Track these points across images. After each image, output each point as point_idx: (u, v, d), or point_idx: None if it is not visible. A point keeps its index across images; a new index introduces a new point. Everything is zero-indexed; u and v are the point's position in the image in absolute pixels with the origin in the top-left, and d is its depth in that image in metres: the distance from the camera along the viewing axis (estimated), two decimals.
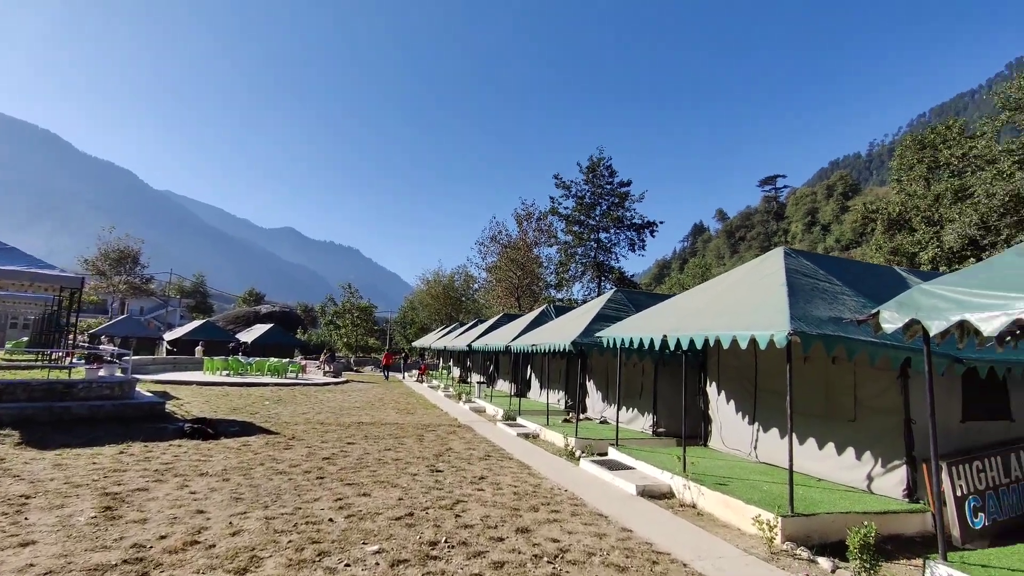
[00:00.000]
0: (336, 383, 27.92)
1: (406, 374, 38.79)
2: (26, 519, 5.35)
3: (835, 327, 6.50)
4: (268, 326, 47.64)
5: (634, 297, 14.90)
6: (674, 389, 12.34)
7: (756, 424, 9.47)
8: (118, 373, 14.18)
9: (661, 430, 12.41)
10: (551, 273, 40.71)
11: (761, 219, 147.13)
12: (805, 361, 8.48)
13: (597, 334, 11.15)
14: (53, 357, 20.21)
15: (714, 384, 10.80)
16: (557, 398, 18.19)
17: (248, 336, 44.92)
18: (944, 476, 6.49)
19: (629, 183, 35.94)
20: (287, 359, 34.25)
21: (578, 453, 10.52)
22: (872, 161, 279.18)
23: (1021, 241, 26.31)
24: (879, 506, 6.58)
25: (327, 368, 32.59)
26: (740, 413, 9.91)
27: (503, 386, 25.47)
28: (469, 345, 24.07)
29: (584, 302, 35.42)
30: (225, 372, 27.78)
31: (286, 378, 27.92)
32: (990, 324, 4.18)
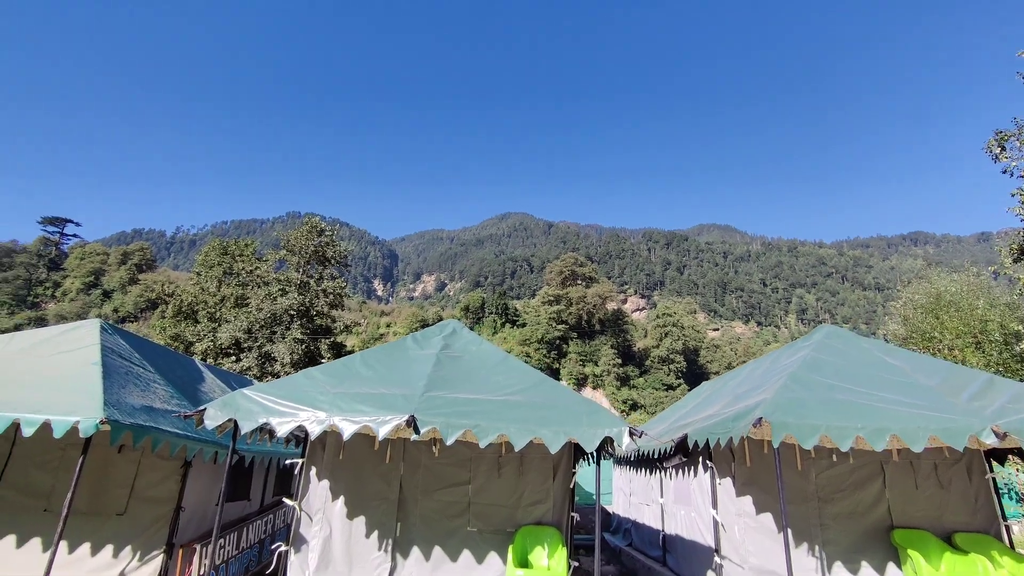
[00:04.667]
0: None
1: None
2: None
3: (147, 416, 6.55)
4: None
5: None
6: None
7: None
8: None
9: None
10: None
11: (29, 261, 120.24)
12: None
13: None
14: None
15: None
16: None
17: None
18: (195, 557, 7.32)
19: None
20: None
21: None
22: (174, 244, 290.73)
23: (271, 345, 33.50)
24: None
25: None
26: None
27: None
28: None
29: None
30: None
31: None
32: (283, 427, 5.63)
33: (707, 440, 7.11)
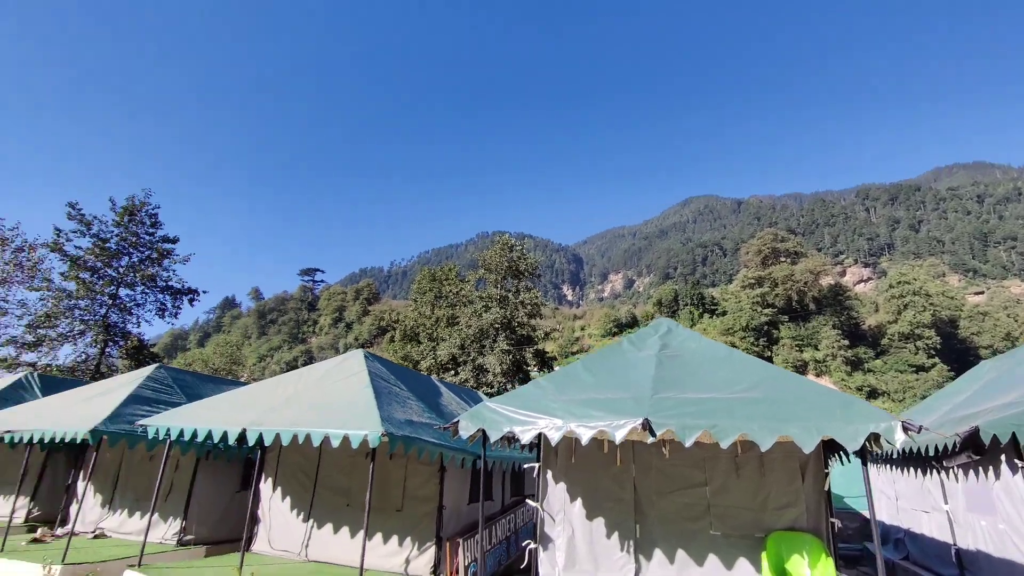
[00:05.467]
0: None
1: None
2: None
3: (411, 428, 7.73)
4: None
5: (181, 378, 12.81)
6: (216, 488, 11.10)
7: (311, 522, 9.52)
8: None
9: (189, 538, 10.61)
10: (21, 325, 29.43)
11: (295, 306, 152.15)
12: (366, 457, 9.41)
13: (140, 421, 9.00)
14: None
15: (270, 481, 10.31)
16: (10, 508, 12.75)
17: None
18: (460, 550, 8.35)
19: (176, 240, 31.42)
20: None
21: None
22: (391, 276, 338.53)
23: (483, 358, 36.71)
24: None
25: None
26: (295, 511, 9.76)
27: None
28: None
29: (73, 370, 27.11)
30: None
31: None
32: (526, 435, 6.13)
33: (1013, 434, 5.75)
